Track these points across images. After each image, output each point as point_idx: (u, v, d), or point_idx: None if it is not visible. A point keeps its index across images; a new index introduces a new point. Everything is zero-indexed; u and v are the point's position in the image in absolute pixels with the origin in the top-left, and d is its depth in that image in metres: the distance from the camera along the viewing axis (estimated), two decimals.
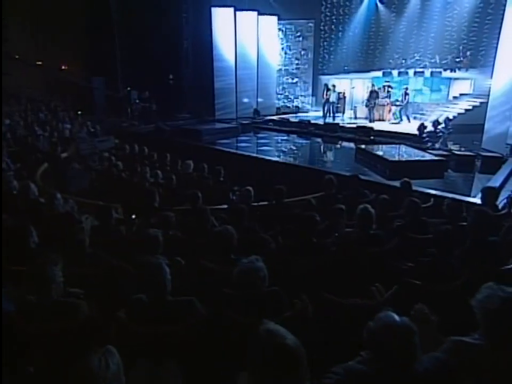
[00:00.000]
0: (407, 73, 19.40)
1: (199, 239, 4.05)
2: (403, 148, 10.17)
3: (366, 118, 15.34)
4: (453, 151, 10.09)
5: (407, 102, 14.88)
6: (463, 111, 15.34)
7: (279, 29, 17.85)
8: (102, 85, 16.91)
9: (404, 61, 21.30)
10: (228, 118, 16.61)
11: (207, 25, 16.41)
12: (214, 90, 16.65)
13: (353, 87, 16.91)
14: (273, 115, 17.54)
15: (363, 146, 10.17)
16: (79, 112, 15.49)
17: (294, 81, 18.46)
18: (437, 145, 12.06)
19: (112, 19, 17.23)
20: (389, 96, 16.38)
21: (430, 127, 13.17)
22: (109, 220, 4.45)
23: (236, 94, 16.78)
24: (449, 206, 4.79)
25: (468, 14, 20.77)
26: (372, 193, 6.58)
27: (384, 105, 15.55)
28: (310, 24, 18.04)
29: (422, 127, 12.41)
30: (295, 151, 11.74)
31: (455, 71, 19.92)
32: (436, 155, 9.56)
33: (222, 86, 16.56)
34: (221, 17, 16.21)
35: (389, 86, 16.37)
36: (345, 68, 21.41)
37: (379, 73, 19.95)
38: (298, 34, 18.00)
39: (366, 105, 15.49)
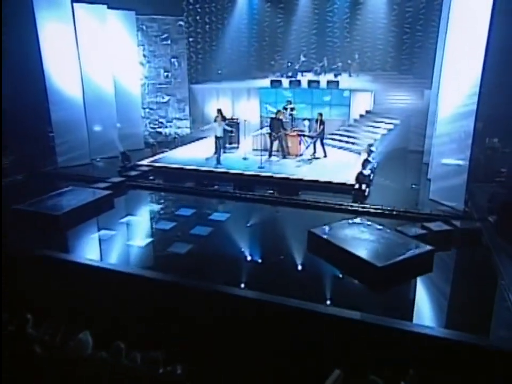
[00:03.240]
0: (299, 82, 17.93)
1: None
2: (373, 229, 8.39)
3: (266, 151, 13.33)
4: (429, 227, 8.89)
5: (322, 131, 13.45)
6: (378, 136, 14.71)
7: (139, 28, 14.45)
8: None
9: (289, 65, 20.14)
10: (77, 164, 12.67)
11: (28, 21, 12.05)
12: (52, 124, 12.53)
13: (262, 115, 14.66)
14: (142, 149, 14.27)
15: (323, 234, 8.09)
16: None
17: (165, 100, 15.37)
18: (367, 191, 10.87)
19: None
20: (293, 120, 14.76)
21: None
22: None
23: (87, 127, 12.95)
24: None
25: (353, 10, 20.19)
26: None
27: (291, 135, 13.82)
28: (180, 23, 15.17)
29: (360, 177, 11.07)
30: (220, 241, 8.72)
31: (350, 76, 19.62)
32: (416, 236, 8.17)
33: (63, 117, 12.42)
34: (51, 12, 12.02)
35: (291, 109, 14.64)
36: (219, 72, 19.51)
37: (266, 82, 18.19)
38: (165, 35, 14.89)
39: (271, 137, 13.49)
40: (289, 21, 21.28)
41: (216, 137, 12.22)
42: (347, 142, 14.74)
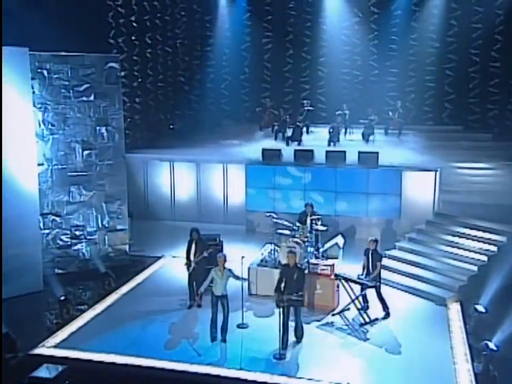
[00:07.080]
0: (311, 154, 15.80)
1: None
2: None
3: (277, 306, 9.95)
4: None
5: (379, 268, 10.42)
6: (474, 268, 11.85)
7: (38, 75, 12.24)
8: None
9: (287, 118, 18.45)
10: None
11: None
12: None
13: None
14: (40, 291, 11.76)
15: None
16: None
17: (84, 197, 13.06)
18: None
19: None
20: (318, 240, 11.75)
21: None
22: None
23: None
24: None
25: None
26: None
27: (326, 274, 10.84)
28: (112, 65, 12.63)
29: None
30: None
31: (386, 134, 17.93)
32: None
33: None
34: None
35: (317, 218, 11.83)
36: (172, 126, 19.56)
37: (252, 149, 16.47)
38: (85, 86, 12.53)
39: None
40: (282, 42, 20.24)
41: (215, 296, 9.70)
42: (412, 276, 12.26)
